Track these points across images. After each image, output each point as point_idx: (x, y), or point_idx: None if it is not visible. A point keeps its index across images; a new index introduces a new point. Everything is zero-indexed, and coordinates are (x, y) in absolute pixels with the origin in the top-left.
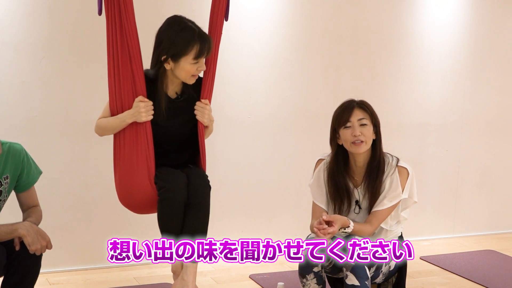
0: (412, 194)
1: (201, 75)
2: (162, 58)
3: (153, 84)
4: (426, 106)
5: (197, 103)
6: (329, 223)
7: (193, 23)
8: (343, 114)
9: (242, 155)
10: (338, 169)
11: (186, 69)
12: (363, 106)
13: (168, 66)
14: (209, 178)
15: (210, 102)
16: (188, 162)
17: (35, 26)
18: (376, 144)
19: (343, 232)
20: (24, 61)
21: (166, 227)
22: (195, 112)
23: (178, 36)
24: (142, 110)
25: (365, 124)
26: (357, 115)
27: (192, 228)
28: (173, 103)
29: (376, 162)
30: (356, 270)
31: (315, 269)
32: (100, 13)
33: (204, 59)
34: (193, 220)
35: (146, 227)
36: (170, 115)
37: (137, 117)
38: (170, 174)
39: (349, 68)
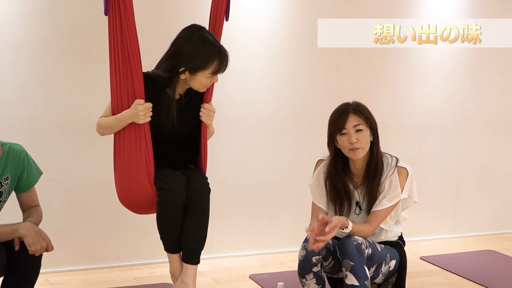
0: (412, 194)
1: None
2: (180, 69)
3: (159, 86)
4: (426, 106)
5: (205, 105)
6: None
7: (212, 35)
8: (338, 120)
9: (242, 155)
10: (337, 172)
11: (201, 81)
12: (358, 110)
13: (183, 76)
14: (209, 179)
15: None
16: (188, 162)
17: (35, 26)
18: (374, 146)
19: (341, 232)
20: (24, 61)
21: (165, 229)
22: (201, 114)
23: (200, 51)
24: (141, 113)
25: (360, 130)
26: (352, 121)
27: (192, 230)
28: (176, 104)
29: (374, 163)
30: (356, 270)
31: (315, 269)
32: (106, 13)
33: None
34: (192, 222)
35: (146, 227)
36: (172, 116)
37: (135, 119)
38: (170, 175)
39: (349, 68)
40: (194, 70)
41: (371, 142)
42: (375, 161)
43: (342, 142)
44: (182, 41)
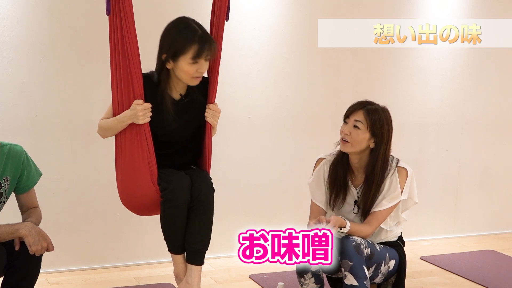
0: (412, 195)
1: (206, 74)
2: (163, 57)
3: (158, 85)
4: (426, 106)
5: (210, 106)
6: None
7: (198, 24)
8: (349, 109)
9: (242, 155)
10: (342, 160)
11: (185, 69)
12: (370, 112)
13: (169, 65)
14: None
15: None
16: (190, 163)
17: (35, 26)
18: (374, 153)
19: (339, 232)
20: (24, 61)
21: (169, 229)
22: (206, 114)
23: (179, 34)
24: (140, 113)
25: (358, 127)
26: (357, 115)
27: (196, 230)
28: (176, 104)
29: (373, 170)
30: (355, 270)
31: (313, 268)
32: (108, 12)
33: (204, 61)
34: (197, 223)
35: (146, 227)
36: (174, 117)
37: (134, 119)
38: (174, 176)
39: (349, 68)
40: (175, 56)
41: (372, 149)
42: (374, 168)
43: (340, 129)
44: (165, 31)
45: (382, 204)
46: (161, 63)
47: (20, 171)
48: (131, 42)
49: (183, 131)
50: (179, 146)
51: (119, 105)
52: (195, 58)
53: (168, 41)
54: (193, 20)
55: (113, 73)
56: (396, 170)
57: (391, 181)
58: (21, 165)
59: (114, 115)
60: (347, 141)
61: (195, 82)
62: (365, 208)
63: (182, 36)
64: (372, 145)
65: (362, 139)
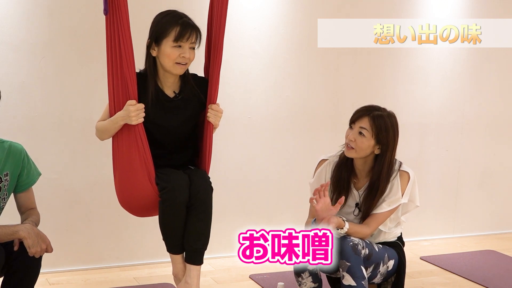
0: (413, 199)
1: (203, 74)
2: (147, 43)
3: (150, 81)
4: (426, 106)
5: (212, 106)
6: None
7: (186, 15)
8: (354, 115)
9: (242, 155)
10: (347, 163)
11: (167, 53)
12: (375, 119)
13: (154, 52)
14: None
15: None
16: (189, 163)
17: (35, 26)
18: (378, 160)
19: (338, 232)
20: (24, 61)
21: (168, 229)
22: (208, 115)
23: (163, 19)
24: (132, 114)
25: (363, 134)
26: (362, 122)
27: (195, 230)
28: (171, 102)
29: (379, 178)
30: (352, 270)
31: (310, 267)
32: (106, 12)
33: (189, 48)
34: (195, 222)
35: (146, 227)
36: (169, 114)
37: (127, 120)
38: (172, 175)
39: (349, 68)
40: (158, 40)
41: (376, 155)
42: (379, 175)
43: (345, 134)
44: (153, 19)
45: (382, 207)
46: (147, 52)
47: (20, 169)
48: (125, 43)
49: (179, 129)
50: (176, 144)
51: (116, 105)
52: (177, 40)
53: (153, 26)
54: (183, 13)
55: (109, 74)
56: (398, 173)
57: (392, 184)
58: (21, 162)
59: (111, 116)
60: (351, 147)
61: (178, 70)
62: (365, 211)
63: (166, 20)
64: (377, 151)
65: (367, 146)
